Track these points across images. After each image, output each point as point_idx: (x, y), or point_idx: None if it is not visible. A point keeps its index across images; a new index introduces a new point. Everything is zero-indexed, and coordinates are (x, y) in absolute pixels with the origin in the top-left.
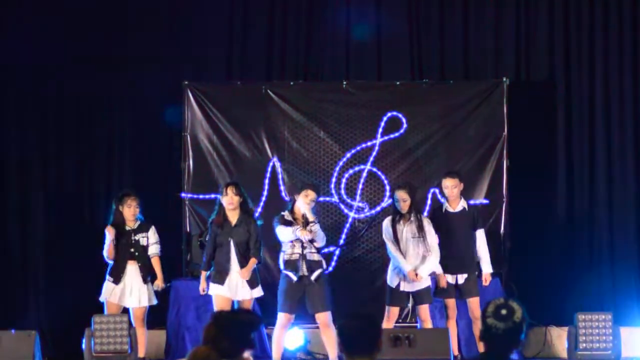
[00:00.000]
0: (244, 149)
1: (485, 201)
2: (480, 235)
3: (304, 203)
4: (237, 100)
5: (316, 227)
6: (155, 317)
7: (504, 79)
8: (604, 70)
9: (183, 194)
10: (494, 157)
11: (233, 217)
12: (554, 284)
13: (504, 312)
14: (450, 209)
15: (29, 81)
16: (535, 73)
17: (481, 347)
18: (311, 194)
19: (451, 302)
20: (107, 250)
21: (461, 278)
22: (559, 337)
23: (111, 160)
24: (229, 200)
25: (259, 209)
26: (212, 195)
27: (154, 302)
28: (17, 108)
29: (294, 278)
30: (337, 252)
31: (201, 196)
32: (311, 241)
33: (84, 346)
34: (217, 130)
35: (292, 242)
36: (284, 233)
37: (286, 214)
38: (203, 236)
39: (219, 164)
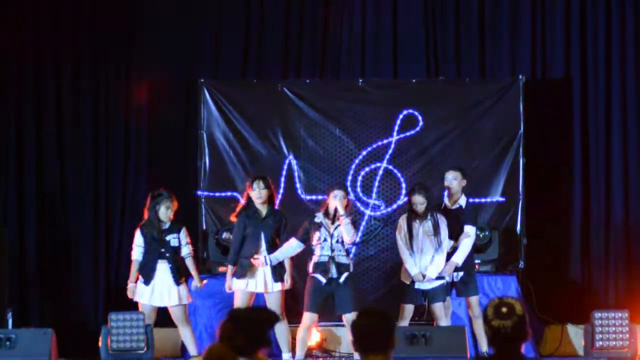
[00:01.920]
0: (260, 146)
1: (501, 199)
2: (467, 229)
3: (333, 202)
4: (253, 98)
5: (346, 221)
6: (169, 315)
7: (520, 77)
8: (621, 67)
9: (199, 192)
10: (510, 154)
11: (262, 209)
12: (570, 282)
13: (504, 310)
14: (449, 205)
15: (45, 78)
16: (552, 71)
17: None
18: (339, 193)
19: (447, 301)
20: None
21: (456, 276)
22: (575, 335)
23: (127, 158)
24: (258, 195)
25: (275, 207)
26: (228, 193)
27: (186, 301)
28: (34, 106)
29: (323, 281)
30: (353, 249)
31: (217, 194)
32: (337, 241)
33: (100, 344)
34: (233, 128)
35: (321, 244)
36: (294, 247)
37: (318, 216)
38: (219, 234)
39: (235, 161)
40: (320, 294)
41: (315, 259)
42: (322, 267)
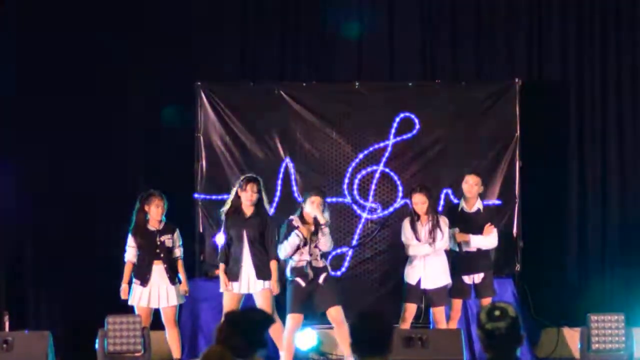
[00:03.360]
0: (257, 149)
1: (497, 202)
2: (489, 230)
3: (312, 209)
4: (249, 101)
5: (326, 231)
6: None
7: (517, 80)
8: (617, 70)
9: (196, 195)
10: (506, 157)
11: (248, 210)
12: (566, 285)
13: (497, 313)
14: (467, 209)
15: (43, 79)
16: (548, 74)
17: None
18: (316, 199)
19: (458, 304)
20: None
21: (478, 278)
22: (571, 338)
23: (124, 161)
24: (249, 197)
25: (272, 210)
26: (225, 196)
27: (182, 300)
28: (31, 107)
29: (303, 284)
30: (349, 252)
31: (214, 197)
32: (315, 246)
33: (97, 346)
34: (229, 131)
35: (299, 249)
36: (284, 248)
37: (295, 219)
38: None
39: (232, 164)
40: (300, 295)
41: (292, 263)
42: (299, 272)
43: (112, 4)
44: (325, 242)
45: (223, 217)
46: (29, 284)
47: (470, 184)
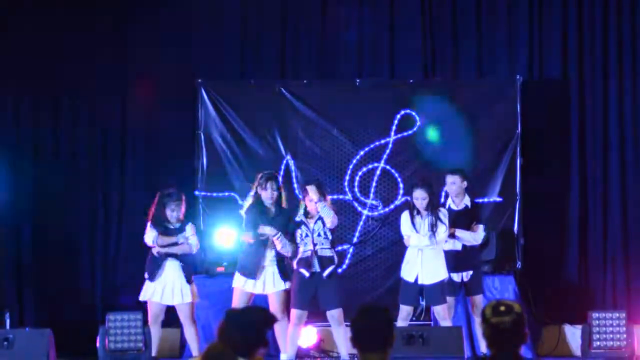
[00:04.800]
0: (258, 147)
1: (498, 199)
2: (480, 227)
3: (312, 193)
4: (250, 99)
5: (321, 205)
6: (169, 315)
7: (517, 77)
8: (618, 67)
9: (197, 192)
10: (507, 155)
11: (271, 207)
12: (567, 282)
13: (502, 308)
14: (454, 207)
15: (42, 77)
16: (549, 70)
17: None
18: (310, 191)
19: (450, 301)
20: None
21: (466, 275)
22: (573, 336)
23: (124, 158)
24: (269, 195)
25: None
26: (226, 194)
27: (197, 299)
28: (31, 106)
29: (306, 274)
30: (350, 250)
31: (215, 194)
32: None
33: (98, 344)
34: (230, 129)
35: (303, 241)
36: (285, 250)
37: (298, 216)
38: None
39: (233, 162)
40: (305, 290)
41: (299, 255)
42: (305, 262)
43: (113, 3)
44: (325, 216)
45: (244, 215)
46: (29, 281)
47: (449, 183)
